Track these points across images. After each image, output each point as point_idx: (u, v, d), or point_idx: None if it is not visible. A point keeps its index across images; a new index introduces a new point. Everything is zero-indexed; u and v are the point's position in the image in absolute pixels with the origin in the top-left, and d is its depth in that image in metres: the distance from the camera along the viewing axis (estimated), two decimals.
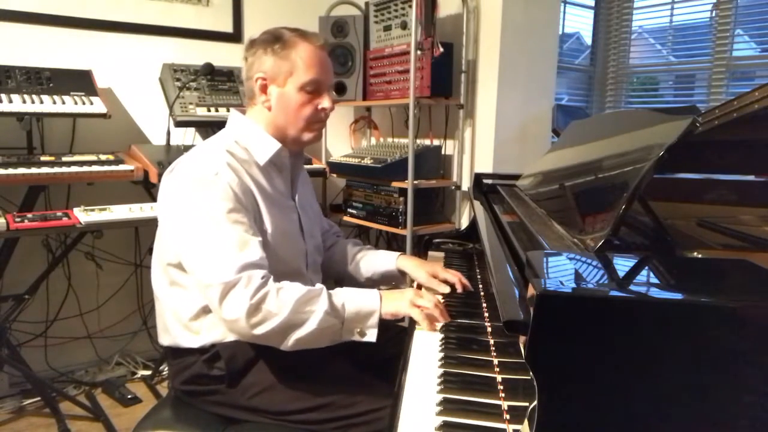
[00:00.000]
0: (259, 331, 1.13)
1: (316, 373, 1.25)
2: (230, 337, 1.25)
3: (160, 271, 1.31)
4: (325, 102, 1.33)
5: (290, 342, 1.15)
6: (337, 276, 1.62)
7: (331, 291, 1.21)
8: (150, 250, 1.96)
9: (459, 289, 1.41)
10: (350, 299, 1.20)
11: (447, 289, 1.40)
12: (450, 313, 1.25)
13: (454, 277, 1.43)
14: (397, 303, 1.22)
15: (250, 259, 1.16)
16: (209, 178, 1.21)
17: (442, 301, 1.30)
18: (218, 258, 1.15)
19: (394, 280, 1.59)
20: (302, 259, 1.40)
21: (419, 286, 1.47)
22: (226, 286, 1.12)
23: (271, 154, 1.32)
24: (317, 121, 1.35)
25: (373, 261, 1.57)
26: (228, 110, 2.48)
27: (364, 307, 1.20)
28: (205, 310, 1.24)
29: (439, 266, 1.51)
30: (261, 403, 1.23)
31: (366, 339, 1.20)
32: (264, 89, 1.31)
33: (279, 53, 1.29)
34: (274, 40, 1.30)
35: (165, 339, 1.33)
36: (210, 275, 1.14)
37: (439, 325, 1.21)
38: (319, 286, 1.22)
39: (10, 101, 2.15)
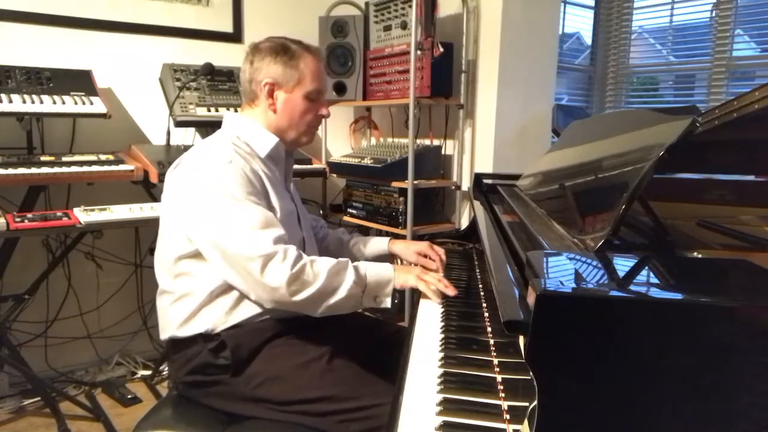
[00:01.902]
0: (298, 297, 1.23)
1: (320, 364, 1.26)
2: (231, 321, 1.29)
3: (168, 265, 1.33)
4: (323, 110, 1.47)
5: (323, 308, 1.27)
6: None
7: (354, 264, 1.32)
8: (151, 250, 1.95)
9: (440, 268, 1.58)
10: (371, 270, 1.33)
11: (434, 266, 1.57)
12: (451, 312, 1.25)
13: (436, 256, 1.58)
14: (406, 276, 1.36)
15: (279, 233, 1.27)
16: (224, 166, 1.29)
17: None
18: (251, 233, 1.24)
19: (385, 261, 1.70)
20: (300, 246, 1.43)
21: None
22: (266, 258, 1.22)
23: (270, 147, 1.41)
24: (315, 126, 1.49)
25: (366, 245, 1.71)
26: (228, 110, 2.49)
27: (383, 277, 1.33)
28: (211, 296, 1.29)
29: (426, 245, 1.66)
30: (264, 392, 1.25)
31: (383, 306, 1.33)
32: (271, 93, 1.40)
33: (288, 63, 1.40)
34: (282, 50, 1.40)
35: (168, 332, 1.34)
36: (249, 250, 1.22)
37: (449, 291, 1.32)
38: (344, 258, 1.33)
39: (10, 101, 2.15)
